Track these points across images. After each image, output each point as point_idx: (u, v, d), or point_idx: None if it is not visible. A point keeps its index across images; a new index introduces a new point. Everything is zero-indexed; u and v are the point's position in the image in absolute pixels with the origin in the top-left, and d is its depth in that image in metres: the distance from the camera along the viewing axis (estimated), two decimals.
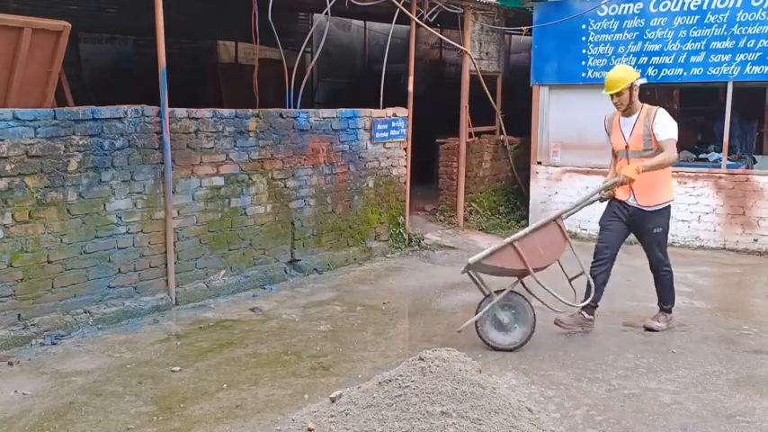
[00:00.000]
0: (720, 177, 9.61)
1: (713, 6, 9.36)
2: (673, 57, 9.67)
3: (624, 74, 5.88)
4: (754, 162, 10.27)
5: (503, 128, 11.89)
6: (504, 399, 3.76)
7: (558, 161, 10.70)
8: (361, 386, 4.08)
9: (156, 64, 6.49)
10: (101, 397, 4.68)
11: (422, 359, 4.47)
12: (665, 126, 5.80)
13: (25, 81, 6.09)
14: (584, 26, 10.19)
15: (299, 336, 5.95)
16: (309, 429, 3.92)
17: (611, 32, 10.04)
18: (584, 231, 10.46)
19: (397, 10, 8.73)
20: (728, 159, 9.78)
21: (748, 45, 9.19)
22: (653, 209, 5.96)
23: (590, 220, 10.43)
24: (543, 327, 6.49)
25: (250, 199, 7.36)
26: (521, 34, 11.80)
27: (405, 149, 9.40)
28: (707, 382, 5.03)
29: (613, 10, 9.99)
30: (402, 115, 9.27)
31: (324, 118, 8.18)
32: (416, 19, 9.19)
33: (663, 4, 9.67)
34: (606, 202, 6.19)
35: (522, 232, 5.49)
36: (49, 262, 5.78)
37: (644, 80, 6.05)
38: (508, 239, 5.46)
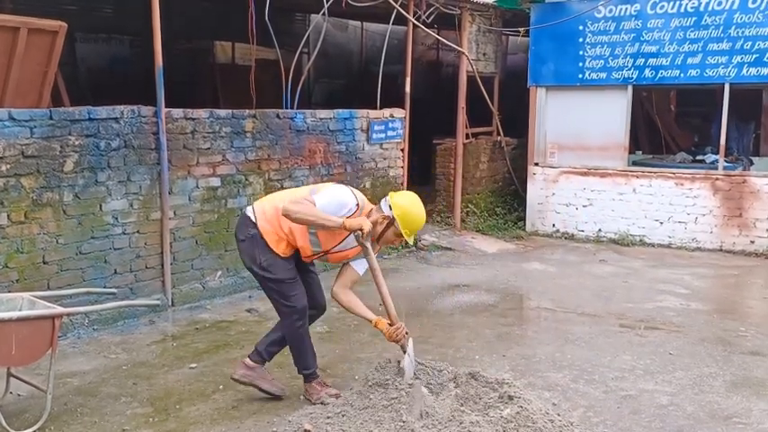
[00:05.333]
0: (717, 179, 9.62)
1: (710, 8, 9.38)
2: (670, 58, 9.68)
3: None
4: (751, 164, 10.30)
5: (500, 129, 11.90)
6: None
7: (555, 162, 10.70)
8: (357, 387, 4.08)
9: (152, 64, 6.48)
10: (96, 398, 4.66)
11: (420, 363, 4.48)
12: None
13: (21, 81, 6.07)
14: (581, 27, 10.20)
15: None
16: (306, 430, 3.91)
17: (608, 34, 10.05)
18: (581, 233, 10.48)
19: (395, 11, 8.72)
20: (725, 161, 9.80)
21: (745, 47, 9.21)
22: None
23: (587, 221, 10.47)
24: (540, 327, 6.49)
25: (247, 200, 7.34)
26: (518, 35, 11.81)
27: (402, 150, 9.40)
28: (703, 383, 5.03)
29: (610, 11, 10.00)
30: (399, 116, 9.27)
31: (321, 119, 8.17)
32: (413, 20, 9.18)
33: (660, 5, 9.69)
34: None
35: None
36: (44, 263, 5.76)
37: None
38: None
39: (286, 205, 4.13)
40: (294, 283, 4.43)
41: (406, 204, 4.33)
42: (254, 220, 4.38)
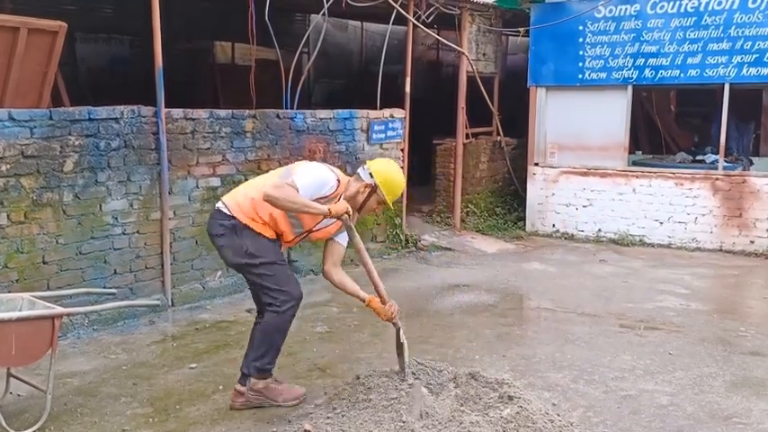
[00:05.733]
0: (717, 179, 9.62)
1: (710, 8, 9.38)
2: (670, 58, 9.68)
3: None
4: (751, 164, 10.30)
5: (500, 129, 11.90)
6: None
7: (555, 162, 10.70)
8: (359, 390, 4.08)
9: (152, 64, 6.48)
10: (96, 398, 4.66)
11: (420, 363, 4.48)
12: None
13: (21, 81, 6.07)
14: (581, 27, 10.20)
15: (296, 337, 5.91)
16: (306, 430, 3.92)
17: (608, 34, 10.05)
18: (580, 233, 10.47)
19: (395, 11, 8.72)
20: (725, 161, 9.80)
21: (745, 47, 9.21)
22: None
23: (587, 221, 10.47)
24: (540, 328, 6.49)
25: None
26: (518, 35, 11.81)
27: (402, 150, 9.39)
28: (703, 383, 5.03)
29: (610, 11, 10.00)
30: (399, 116, 9.27)
31: (321, 119, 8.17)
32: (413, 20, 9.18)
33: (660, 5, 9.69)
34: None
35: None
36: (44, 263, 5.76)
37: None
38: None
39: (268, 191, 3.99)
40: (286, 267, 4.38)
41: (387, 170, 4.37)
42: (229, 213, 4.25)
